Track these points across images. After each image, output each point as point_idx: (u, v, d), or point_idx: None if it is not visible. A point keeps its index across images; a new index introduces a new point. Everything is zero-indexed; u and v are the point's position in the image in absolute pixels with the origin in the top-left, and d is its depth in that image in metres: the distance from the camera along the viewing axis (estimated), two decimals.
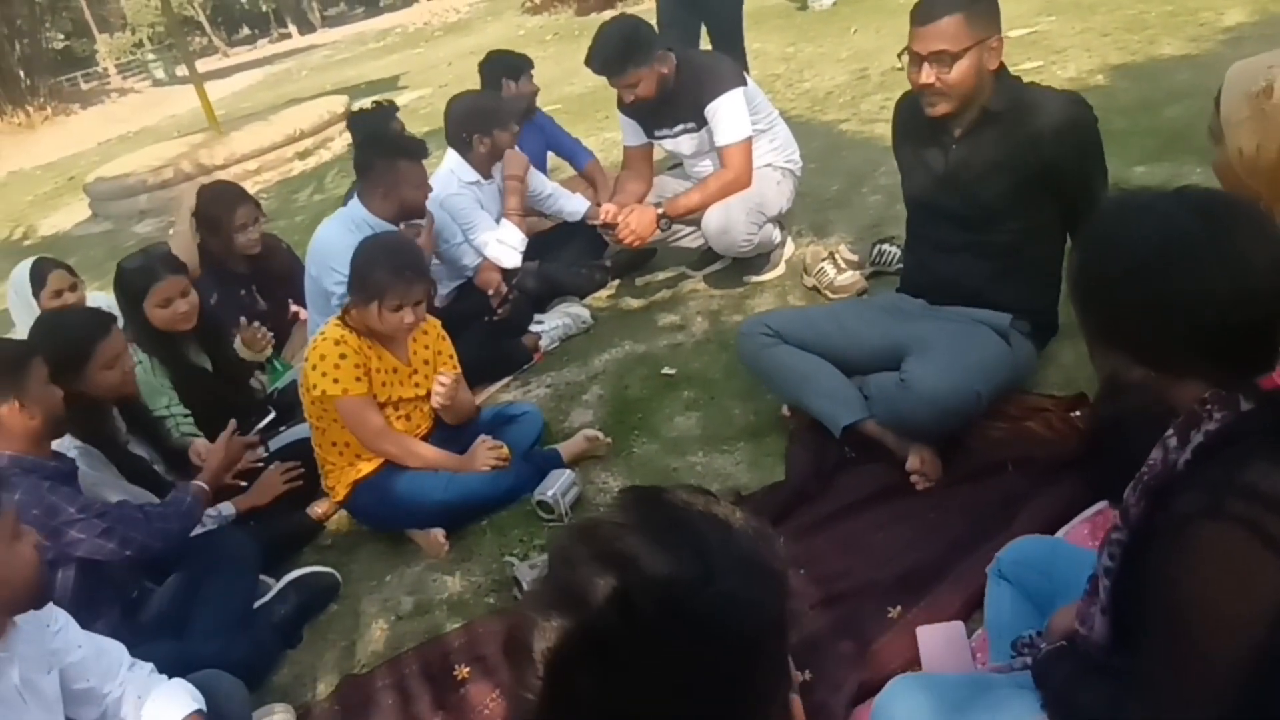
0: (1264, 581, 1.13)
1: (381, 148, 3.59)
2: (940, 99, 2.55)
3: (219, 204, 3.73)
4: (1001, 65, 2.57)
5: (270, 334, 3.69)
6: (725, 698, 0.73)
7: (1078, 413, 2.61)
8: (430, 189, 3.59)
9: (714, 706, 0.73)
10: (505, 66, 4.58)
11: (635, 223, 3.58)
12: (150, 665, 2.04)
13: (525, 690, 0.74)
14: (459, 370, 3.09)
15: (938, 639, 2.09)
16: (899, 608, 2.23)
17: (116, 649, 2.02)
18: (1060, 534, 2.27)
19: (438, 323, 3.12)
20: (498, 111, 3.95)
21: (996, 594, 1.90)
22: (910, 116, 2.81)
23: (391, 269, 2.75)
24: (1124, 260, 1.22)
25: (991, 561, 2.00)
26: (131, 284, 3.16)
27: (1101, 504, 2.33)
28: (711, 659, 0.72)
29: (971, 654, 2.05)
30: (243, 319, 3.66)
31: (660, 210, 3.63)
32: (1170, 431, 1.28)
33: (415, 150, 3.54)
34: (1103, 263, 1.25)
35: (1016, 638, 1.79)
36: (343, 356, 2.78)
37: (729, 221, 3.65)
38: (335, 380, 2.76)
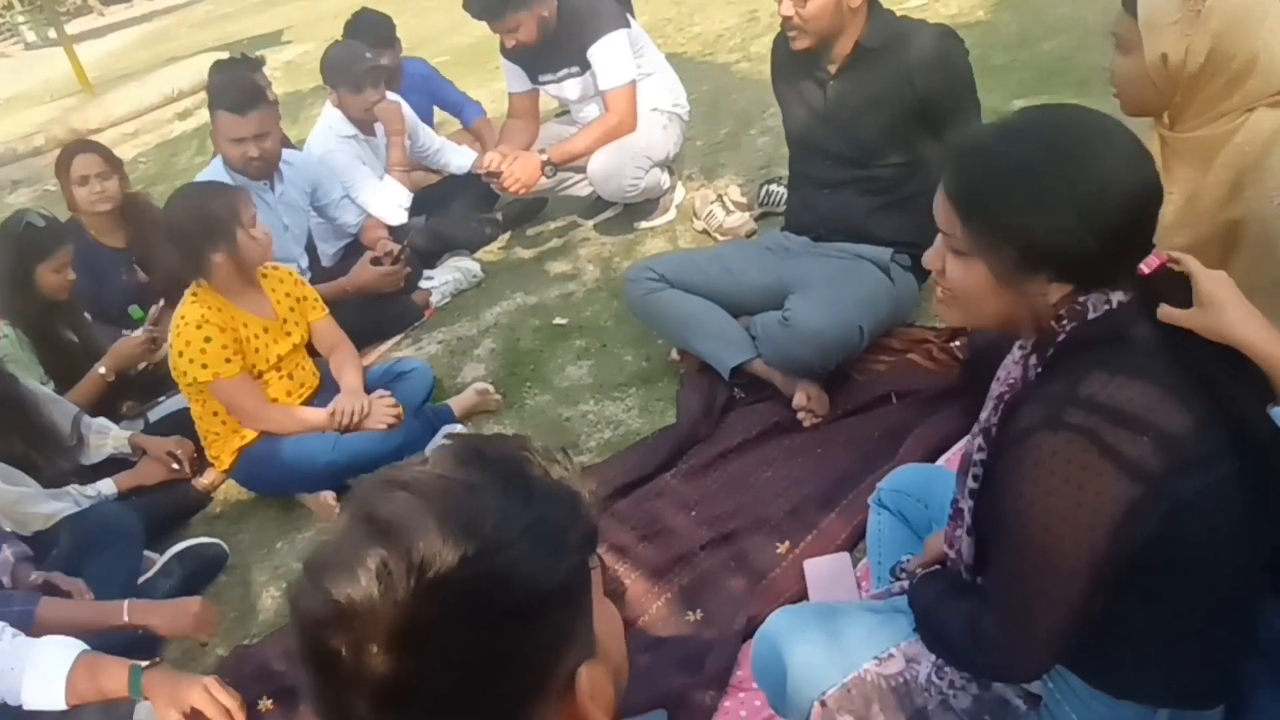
0: (1103, 490, 1.15)
1: (209, 95, 3.44)
2: (799, 32, 2.56)
3: (60, 160, 3.50)
4: (873, 0, 2.57)
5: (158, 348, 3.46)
6: (487, 671, 0.71)
7: (957, 343, 2.66)
8: (263, 146, 3.38)
9: (474, 678, 0.71)
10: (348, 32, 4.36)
11: (520, 170, 3.51)
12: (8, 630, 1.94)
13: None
14: (327, 312, 3.03)
15: (823, 570, 2.13)
16: (787, 543, 2.26)
17: None
18: (941, 461, 2.32)
19: (292, 270, 3.04)
20: (348, 68, 3.79)
21: (876, 523, 1.92)
22: (788, 54, 2.80)
23: (217, 193, 2.73)
24: (1034, 175, 1.19)
25: (873, 492, 2.03)
26: (35, 243, 3.01)
27: None
28: (471, 632, 0.70)
29: (857, 583, 2.10)
30: (124, 332, 3.41)
31: (545, 157, 3.57)
32: (1028, 347, 1.30)
33: (233, 102, 3.31)
34: (1016, 183, 1.20)
35: (895, 563, 1.82)
36: (208, 340, 2.66)
37: (614, 166, 3.61)
38: (204, 365, 2.66)
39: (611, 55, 3.56)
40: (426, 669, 0.69)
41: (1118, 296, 1.22)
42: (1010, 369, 1.34)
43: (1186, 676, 1.30)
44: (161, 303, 3.23)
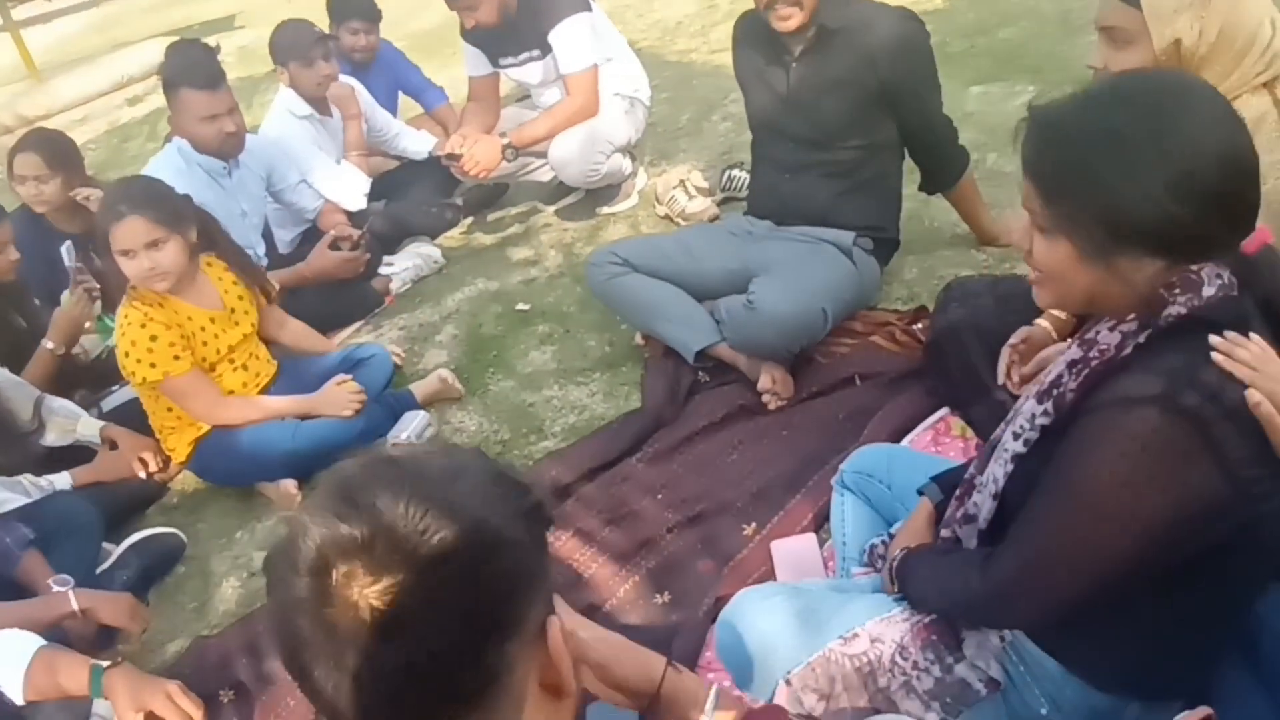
0: (1192, 482, 1.10)
1: (168, 77, 3.29)
2: (794, 10, 2.52)
3: (9, 155, 3.39)
4: None
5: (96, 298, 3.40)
6: (471, 608, 0.74)
7: (919, 325, 2.68)
8: (236, 120, 3.28)
9: (460, 613, 0.73)
10: (334, 8, 4.34)
11: (480, 153, 3.47)
12: None
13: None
14: (275, 291, 3.00)
15: (791, 552, 2.13)
16: (754, 524, 2.27)
17: None
18: (905, 442, 2.34)
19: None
20: (296, 42, 3.71)
21: (840, 504, 1.93)
22: (750, 36, 2.79)
23: (105, 209, 2.59)
24: (1130, 147, 1.12)
25: (836, 474, 2.04)
26: None
27: (943, 411, 2.41)
28: (458, 570, 0.73)
29: (824, 564, 2.11)
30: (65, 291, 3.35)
31: (506, 141, 3.53)
32: (1131, 316, 1.20)
33: (202, 79, 3.19)
34: (1107, 158, 1.14)
35: (869, 544, 1.82)
36: (154, 338, 2.59)
37: (575, 151, 3.59)
38: (153, 365, 2.60)
39: (573, 39, 3.53)
40: (418, 608, 0.71)
41: (1230, 276, 1.17)
42: (1101, 334, 1.23)
43: (1163, 673, 1.31)
44: (76, 257, 3.16)
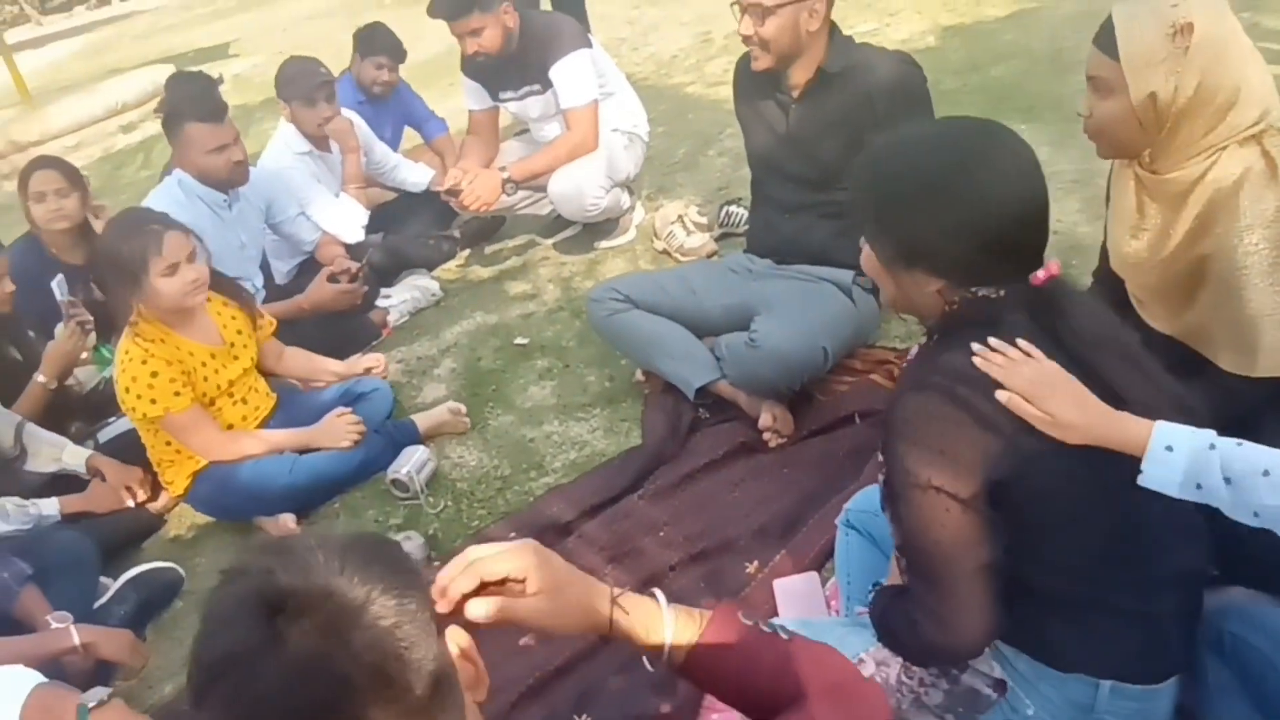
0: (960, 436, 1.28)
1: (171, 110, 3.30)
2: (760, 51, 2.59)
3: (21, 175, 3.40)
4: (833, 26, 2.61)
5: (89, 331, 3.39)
6: None
7: None
8: (242, 149, 3.31)
9: None
10: (361, 42, 4.39)
11: (480, 187, 3.50)
12: None
13: None
14: (275, 326, 3.01)
15: (793, 589, 2.14)
16: (756, 562, 2.27)
17: None
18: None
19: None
20: (301, 83, 3.74)
21: (844, 543, 1.94)
22: (750, 78, 2.82)
23: (133, 233, 2.58)
24: (919, 183, 1.34)
25: (841, 512, 2.05)
26: None
27: None
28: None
29: (826, 602, 2.11)
30: (59, 325, 3.32)
31: (506, 174, 3.56)
32: (927, 332, 1.44)
33: (207, 111, 3.21)
34: (901, 189, 1.36)
35: (874, 585, 1.83)
36: (154, 374, 2.59)
37: (575, 185, 3.62)
38: (153, 401, 2.60)
39: (574, 74, 3.57)
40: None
41: (999, 291, 1.35)
42: (913, 351, 1.48)
43: (1117, 645, 1.35)
44: (70, 290, 3.16)
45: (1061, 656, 1.36)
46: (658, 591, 1.05)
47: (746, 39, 2.59)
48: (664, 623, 1.02)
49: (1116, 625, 1.34)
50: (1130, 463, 1.27)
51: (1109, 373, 1.31)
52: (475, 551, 0.97)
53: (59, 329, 3.14)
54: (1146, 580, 1.34)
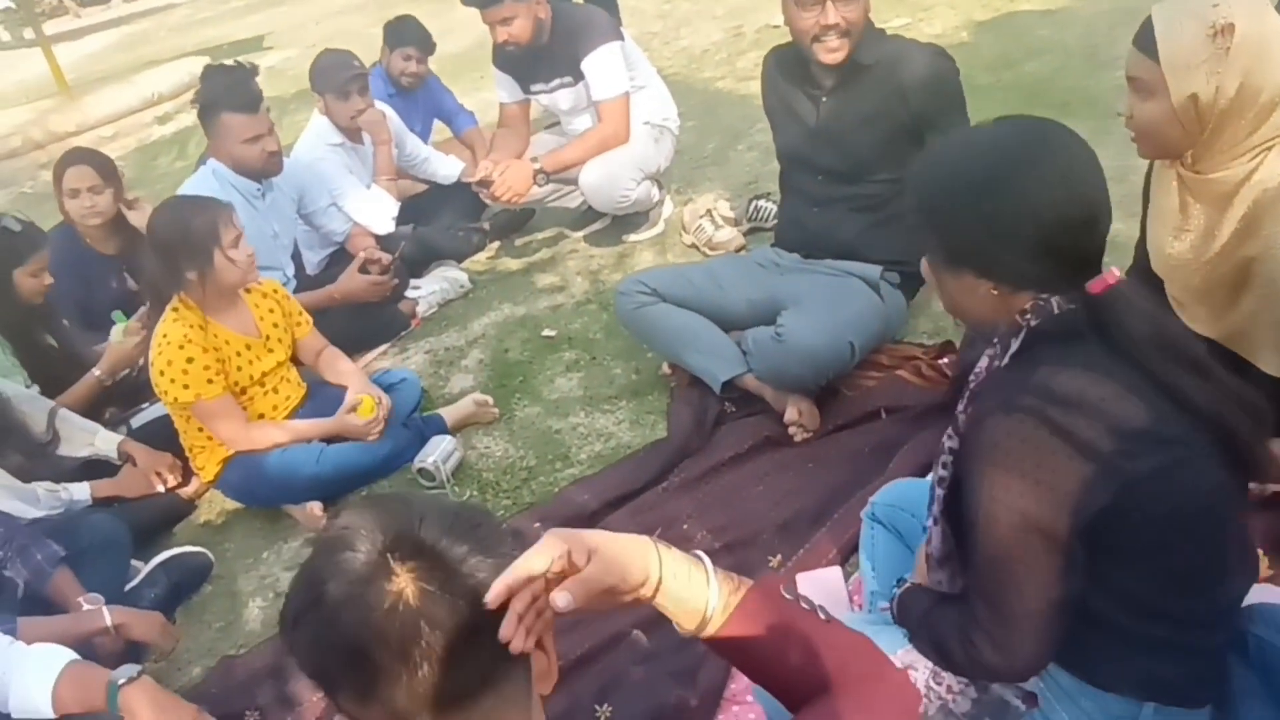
0: (1056, 467, 1.20)
1: (206, 100, 3.33)
2: (844, 40, 2.53)
3: (55, 169, 3.43)
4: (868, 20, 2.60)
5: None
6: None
7: (945, 359, 2.69)
8: (277, 139, 3.38)
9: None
10: (390, 34, 4.42)
11: (511, 178, 3.51)
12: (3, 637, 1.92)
13: None
14: (312, 327, 3.01)
15: (816, 585, 2.14)
16: (779, 556, 2.27)
17: None
18: (931, 476, 2.33)
19: (275, 282, 3.02)
20: (335, 75, 3.77)
21: (870, 537, 1.93)
22: (780, 70, 2.82)
23: (201, 209, 2.65)
24: (960, 185, 1.31)
25: (866, 506, 2.04)
26: (11, 248, 2.96)
27: None
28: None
29: (849, 597, 2.11)
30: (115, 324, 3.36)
31: (537, 165, 3.57)
32: (996, 340, 1.36)
33: (242, 102, 3.26)
34: (944, 190, 1.34)
35: (897, 579, 1.83)
36: (190, 360, 2.62)
37: (606, 177, 3.62)
38: (186, 386, 2.63)
39: (606, 67, 3.57)
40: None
41: (1070, 305, 1.29)
42: (980, 362, 1.39)
43: (1166, 671, 1.32)
44: (147, 305, 3.19)
45: (1108, 678, 1.34)
46: (701, 554, 1.02)
47: (832, 28, 2.51)
48: (708, 582, 0.98)
49: (1169, 654, 1.31)
50: (1232, 486, 1.26)
51: (1175, 381, 1.25)
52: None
53: (116, 325, 3.16)
54: (1207, 611, 1.32)
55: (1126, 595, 1.28)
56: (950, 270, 1.36)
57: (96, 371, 3.09)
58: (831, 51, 2.56)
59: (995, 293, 1.32)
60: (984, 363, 1.37)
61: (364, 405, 2.77)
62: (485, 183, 3.55)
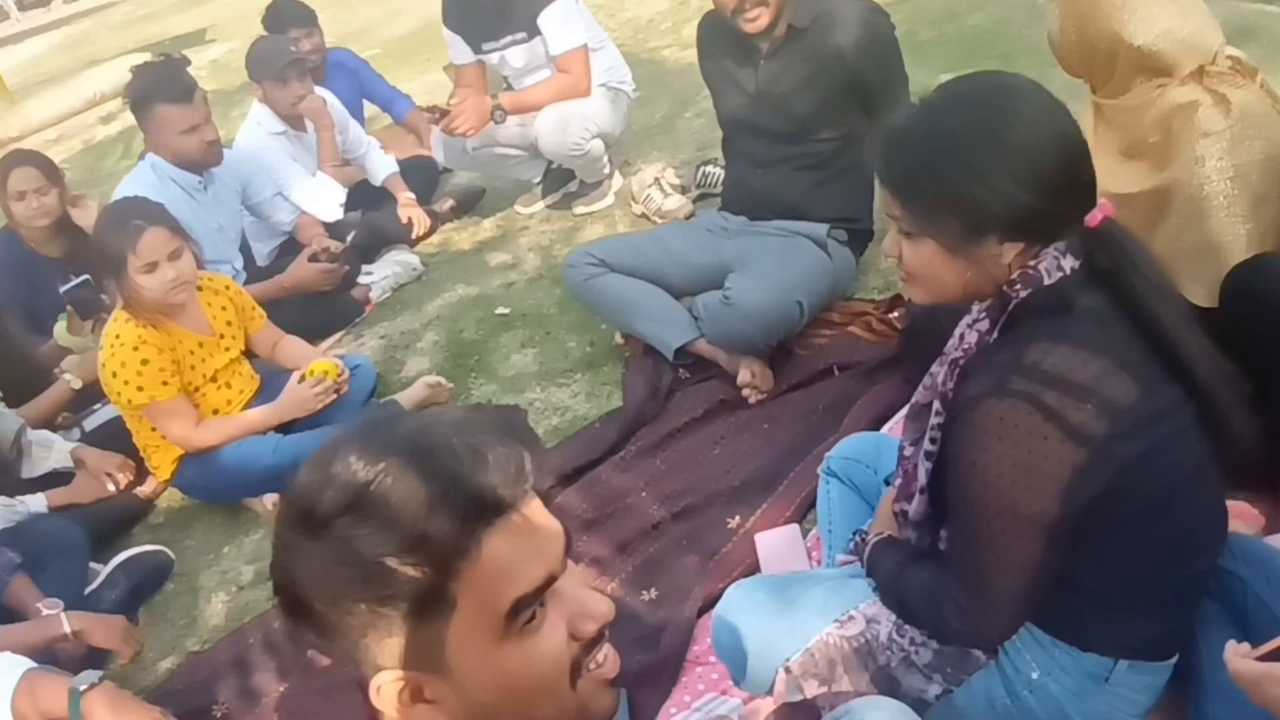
0: (1048, 453, 1.19)
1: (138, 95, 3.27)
2: (761, 10, 2.54)
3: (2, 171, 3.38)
4: None
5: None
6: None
7: (895, 314, 2.70)
8: (214, 129, 3.32)
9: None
10: (271, 22, 4.32)
11: (469, 109, 3.49)
12: None
13: None
14: (266, 321, 2.96)
15: (775, 543, 2.15)
16: (738, 518, 2.28)
17: None
18: (884, 429, 2.35)
19: (226, 279, 2.97)
20: (272, 61, 3.71)
21: (826, 491, 1.94)
22: (715, 35, 2.81)
23: (115, 228, 2.55)
24: (971, 153, 1.24)
25: (822, 462, 2.05)
26: None
27: None
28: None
29: (808, 554, 2.12)
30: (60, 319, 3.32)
31: (497, 102, 3.55)
32: (983, 313, 1.33)
33: (175, 93, 3.20)
34: (957, 165, 1.25)
35: (854, 532, 1.84)
36: (145, 362, 2.57)
37: (562, 121, 3.60)
38: (140, 388, 2.59)
39: (562, 20, 3.55)
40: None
41: (1069, 263, 1.26)
42: (965, 334, 1.36)
43: (1146, 630, 1.34)
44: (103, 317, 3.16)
45: (1084, 638, 1.35)
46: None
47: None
48: None
49: (1145, 615, 1.33)
50: (1215, 463, 1.27)
51: (1173, 333, 1.23)
52: None
53: (59, 324, 3.12)
54: (1185, 577, 1.34)
55: (1111, 565, 1.29)
56: (973, 242, 1.26)
57: (69, 378, 3.07)
58: (751, 21, 2.56)
59: (1014, 255, 1.26)
60: (969, 335, 1.34)
61: (313, 367, 2.72)
62: (443, 113, 3.51)
